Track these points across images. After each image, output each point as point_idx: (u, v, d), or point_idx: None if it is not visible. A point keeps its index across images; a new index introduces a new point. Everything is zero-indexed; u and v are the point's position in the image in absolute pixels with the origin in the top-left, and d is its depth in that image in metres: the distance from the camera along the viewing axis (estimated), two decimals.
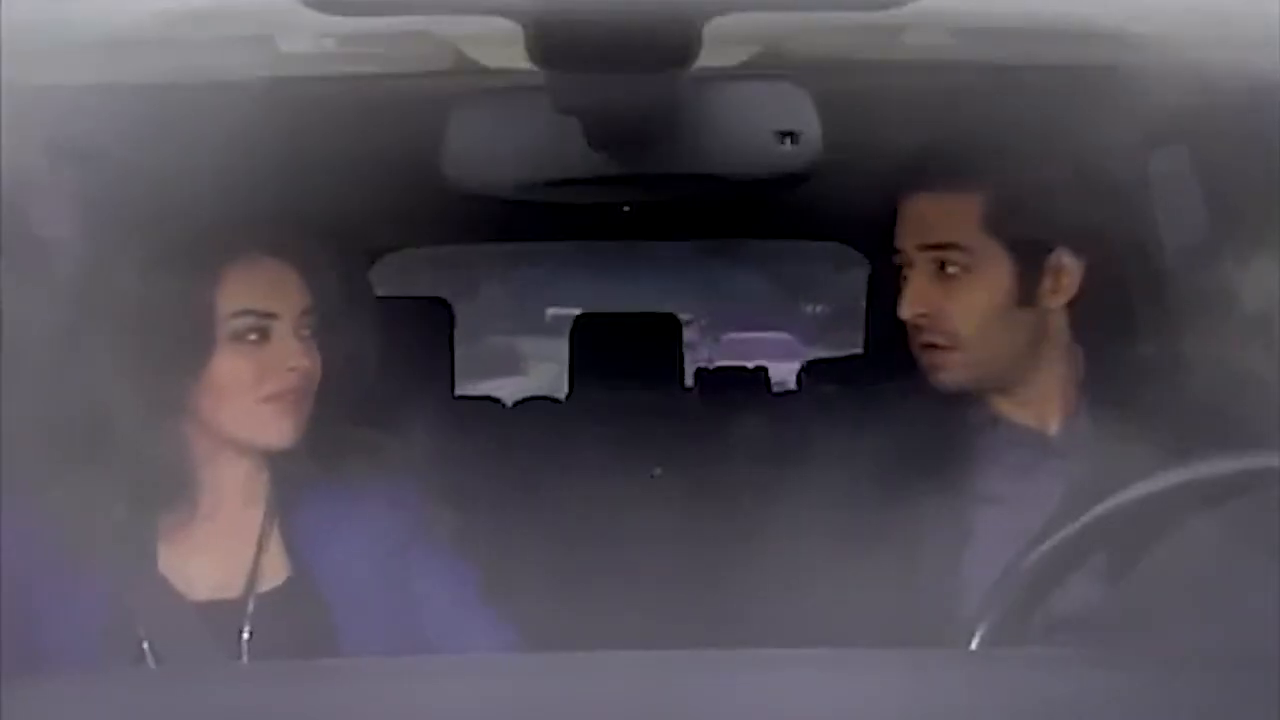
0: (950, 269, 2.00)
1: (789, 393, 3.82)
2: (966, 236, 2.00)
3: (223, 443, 1.90)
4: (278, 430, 1.89)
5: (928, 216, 2.02)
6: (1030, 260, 2.01)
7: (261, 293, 1.88)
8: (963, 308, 2.00)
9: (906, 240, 2.04)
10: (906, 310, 2.02)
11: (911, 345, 2.05)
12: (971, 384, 2.04)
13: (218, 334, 1.86)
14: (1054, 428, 2.05)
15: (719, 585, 2.05)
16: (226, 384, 1.86)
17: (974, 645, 1.47)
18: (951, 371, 2.02)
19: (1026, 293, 2.01)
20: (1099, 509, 1.48)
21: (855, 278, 3.82)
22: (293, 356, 1.88)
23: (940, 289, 2.01)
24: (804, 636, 1.38)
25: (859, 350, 3.71)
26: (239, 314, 1.87)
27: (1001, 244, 1.99)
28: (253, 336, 1.87)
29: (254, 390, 1.87)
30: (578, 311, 4.21)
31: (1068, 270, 2.01)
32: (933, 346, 2.02)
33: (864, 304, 3.65)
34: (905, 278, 2.04)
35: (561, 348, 4.11)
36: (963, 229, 2.00)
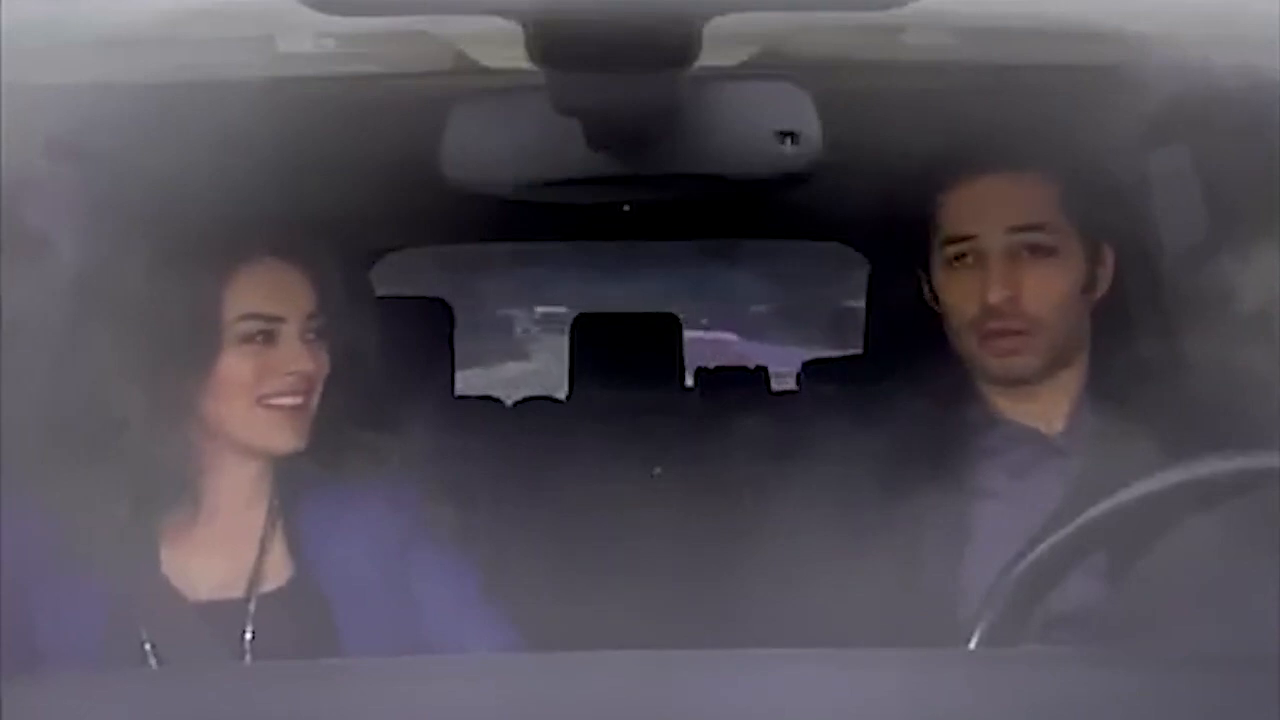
0: (1032, 252, 1.98)
1: (789, 392, 3.82)
2: (1051, 218, 1.99)
3: (227, 444, 1.90)
4: (280, 435, 1.89)
5: (1012, 198, 2.00)
6: (1093, 249, 2.02)
7: (268, 296, 1.88)
8: (1044, 290, 1.98)
9: (983, 223, 2.00)
10: (997, 293, 1.97)
11: (972, 333, 2.01)
12: (1037, 374, 2.01)
13: (224, 337, 1.86)
14: (1055, 426, 2.05)
15: (719, 584, 2.05)
16: (229, 386, 1.86)
17: (973, 644, 1.47)
18: (1024, 358, 2.00)
19: (1089, 282, 2.02)
20: (1098, 509, 1.48)
21: (855, 278, 3.82)
22: (296, 360, 1.88)
23: (1022, 271, 1.98)
24: (804, 636, 1.38)
25: (859, 350, 3.71)
26: (246, 317, 1.87)
27: (1076, 229, 2.00)
28: (259, 339, 1.87)
29: (253, 390, 1.87)
30: (563, 309, 4.22)
31: (1108, 263, 2.03)
32: (1007, 332, 1.99)
33: (864, 304, 3.64)
34: (975, 263, 2.00)
35: (554, 341, 4.12)
36: (1047, 210, 1.99)
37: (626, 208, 2.78)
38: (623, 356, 3.90)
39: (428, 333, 3.56)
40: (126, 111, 1.83)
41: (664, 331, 4.07)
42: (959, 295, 2.02)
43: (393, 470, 1.97)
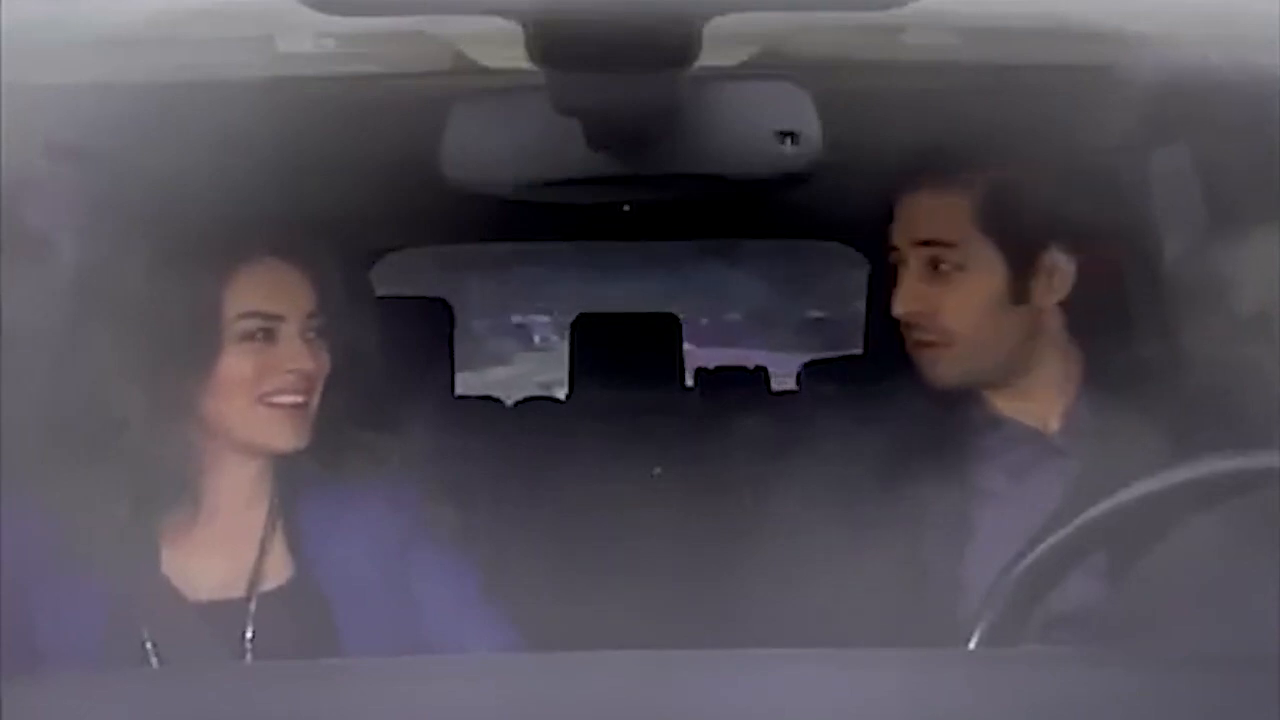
0: (943, 266, 2.01)
1: (789, 392, 3.82)
2: (959, 234, 2.01)
3: (228, 444, 1.91)
4: (280, 433, 1.89)
5: (922, 214, 2.03)
6: (1023, 258, 2.01)
7: (268, 295, 1.88)
8: (955, 305, 2.01)
9: (901, 237, 2.05)
10: (899, 307, 2.03)
11: (906, 343, 2.05)
12: (963, 381, 2.04)
13: (224, 335, 1.86)
14: (1053, 426, 2.05)
15: (719, 584, 2.06)
16: (230, 384, 1.86)
17: (973, 644, 1.47)
18: (943, 367, 2.03)
19: (1019, 291, 2.01)
20: (1098, 509, 1.48)
21: (855, 278, 3.82)
22: (296, 359, 1.88)
23: (933, 286, 2.01)
24: (804, 636, 1.38)
25: (859, 350, 3.71)
26: (246, 315, 1.87)
27: (994, 242, 2.00)
28: (259, 337, 1.87)
29: (254, 389, 1.87)
30: (544, 319, 4.23)
31: (1060, 269, 2.02)
32: (925, 344, 2.03)
33: (864, 304, 3.65)
34: (899, 275, 2.04)
35: (531, 346, 4.13)
36: (956, 226, 2.01)
37: (626, 208, 2.78)
38: (623, 356, 3.90)
39: (428, 333, 3.57)
40: (126, 111, 1.83)
41: (664, 331, 4.07)
42: (894, 302, 2.05)
43: (393, 470, 1.98)
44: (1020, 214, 2.00)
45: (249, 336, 1.87)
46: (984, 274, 2.01)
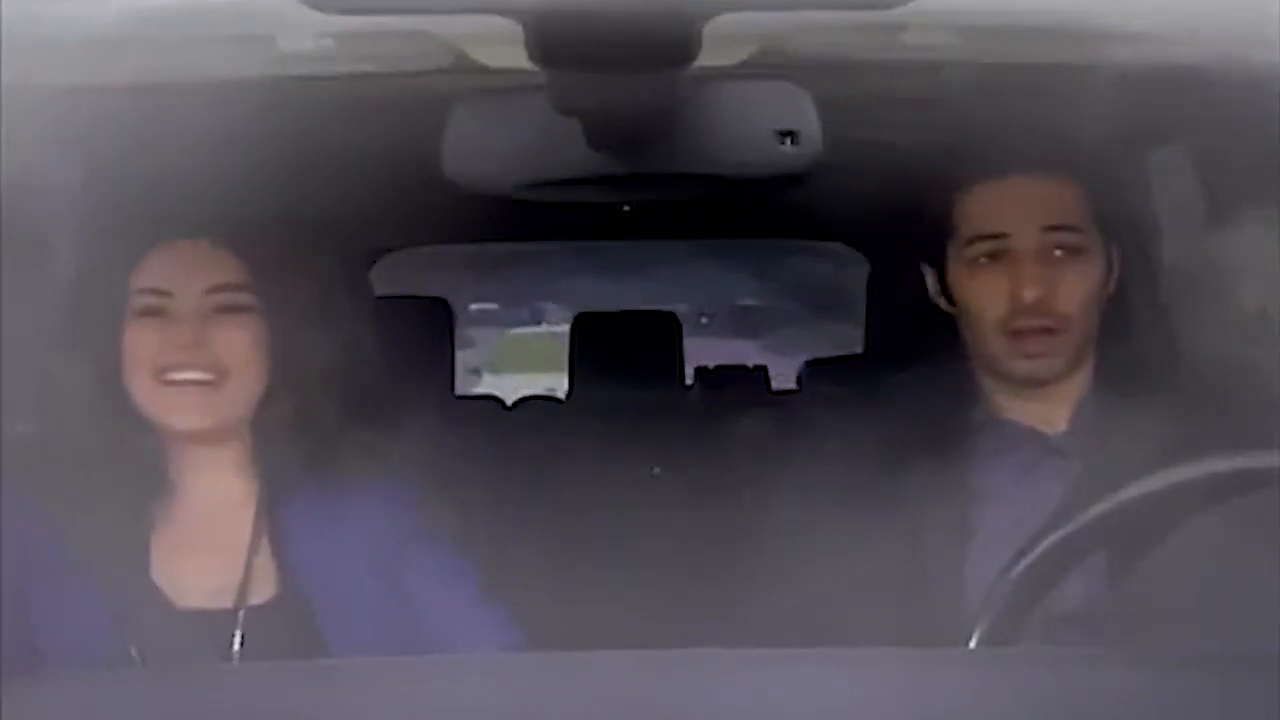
0: (1064, 252, 1.99)
1: (789, 392, 3.82)
2: (1081, 219, 2.01)
3: (191, 441, 1.89)
4: (179, 413, 1.87)
5: (1047, 199, 2.01)
6: (1109, 250, 2.03)
7: (162, 271, 1.87)
8: (1074, 290, 1.99)
9: (1015, 222, 2.00)
10: (1031, 292, 1.97)
11: (1000, 333, 2.00)
12: (1058, 376, 2.02)
13: (126, 312, 1.86)
14: (1060, 427, 2.04)
15: (719, 584, 2.06)
16: (131, 359, 1.86)
17: (973, 644, 1.47)
18: (1051, 360, 2.00)
19: (1106, 282, 2.03)
20: (1098, 508, 1.48)
21: (855, 278, 3.82)
22: (189, 334, 1.86)
23: (1054, 271, 1.99)
24: (804, 635, 1.38)
25: (859, 350, 3.71)
26: (141, 291, 1.87)
27: (1100, 231, 2.01)
28: (154, 313, 1.86)
29: (152, 364, 1.86)
30: (494, 307, 4.22)
31: (1116, 264, 2.03)
32: (1037, 331, 1.99)
33: (864, 304, 3.64)
34: (1006, 262, 1.99)
35: (490, 337, 4.12)
36: (1078, 212, 2.01)
37: (626, 208, 2.78)
38: (622, 356, 3.90)
39: (428, 333, 3.57)
40: (127, 111, 1.83)
41: (663, 331, 4.07)
42: (985, 294, 2.00)
43: (392, 470, 1.97)
44: (1117, 205, 2.02)
45: (144, 312, 1.87)
46: (1095, 261, 2.01)
